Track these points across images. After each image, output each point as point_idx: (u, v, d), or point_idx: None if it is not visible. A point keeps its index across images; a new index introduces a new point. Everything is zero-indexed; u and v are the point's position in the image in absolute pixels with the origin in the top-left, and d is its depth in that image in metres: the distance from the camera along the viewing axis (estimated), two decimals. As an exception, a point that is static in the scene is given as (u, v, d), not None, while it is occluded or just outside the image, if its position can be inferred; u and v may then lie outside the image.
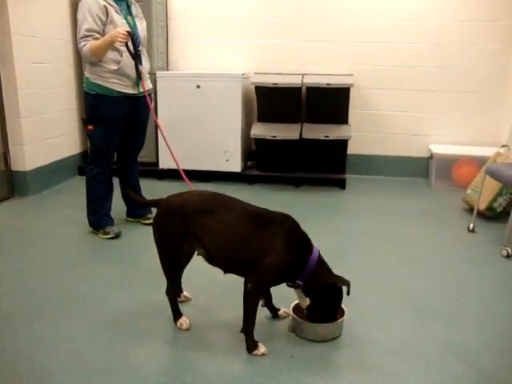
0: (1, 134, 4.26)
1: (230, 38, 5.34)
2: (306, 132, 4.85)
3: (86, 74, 3.37)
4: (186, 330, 2.29)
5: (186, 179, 3.01)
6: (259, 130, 4.95)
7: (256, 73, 5.18)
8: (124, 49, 3.23)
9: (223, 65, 5.36)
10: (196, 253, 2.27)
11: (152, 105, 3.66)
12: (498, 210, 3.95)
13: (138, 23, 3.41)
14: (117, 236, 3.47)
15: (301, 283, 2.16)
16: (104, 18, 3.21)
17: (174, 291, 2.33)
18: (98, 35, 3.21)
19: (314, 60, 5.22)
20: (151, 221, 3.77)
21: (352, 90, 4.91)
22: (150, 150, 5.03)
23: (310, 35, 5.20)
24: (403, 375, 2.02)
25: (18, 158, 4.36)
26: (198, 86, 4.88)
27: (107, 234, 3.46)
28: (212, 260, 2.21)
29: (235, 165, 5.02)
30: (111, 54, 3.25)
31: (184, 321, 2.32)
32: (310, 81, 4.88)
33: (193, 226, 2.16)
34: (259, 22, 5.26)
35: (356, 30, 5.12)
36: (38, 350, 2.15)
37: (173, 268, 2.29)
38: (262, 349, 2.14)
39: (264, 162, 5.12)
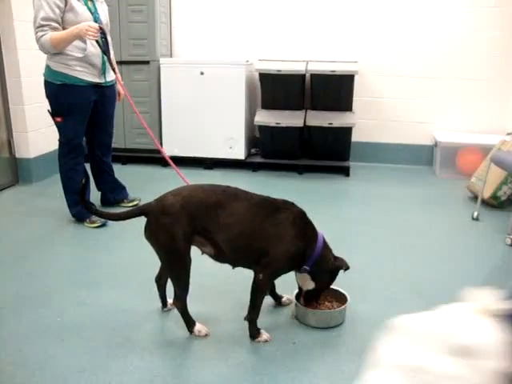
0: (4, 121, 4.27)
1: (234, 25, 5.30)
2: (310, 119, 4.84)
3: (48, 61, 3.23)
4: (206, 336, 2.17)
5: (181, 174, 2.98)
6: (263, 117, 4.94)
7: (260, 59, 5.14)
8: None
9: (227, 51, 5.34)
10: (201, 252, 2.16)
11: (122, 92, 3.62)
12: (503, 198, 3.93)
13: (98, 8, 3.29)
14: (103, 224, 3.43)
15: (308, 268, 2.17)
16: (62, 5, 3.05)
17: (185, 300, 2.15)
18: (55, 24, 3.06)
19: (319, 47, 5.19)
20: (135, 203, 3.78)
21: (356, 77, 4.88)
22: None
23: (315, 21, 5.15)
24: (405, 362, 2.03)
25: (21, 146, 4.37)
26: (202, 73, 4.86)
27: (94, 222, 3.42)
28: (221, 257, 2.15)
29: (239, 152, 5.01)
30: (75, 42, 3.12)
31: (201, 327, 2.18)
32: (315, 68, 4.85)
33: (201, 224, 2.05)
34: (263, 8, 5.22)
35: (361, 17, 5.07)
36: (42, 335, 2.18)
37: (184, 273, 2.08)
38: (264, 335, 2.15)
39: (268, 149, 5.11)
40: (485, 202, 3.90)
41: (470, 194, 4.24)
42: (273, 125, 4.83)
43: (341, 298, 2.35)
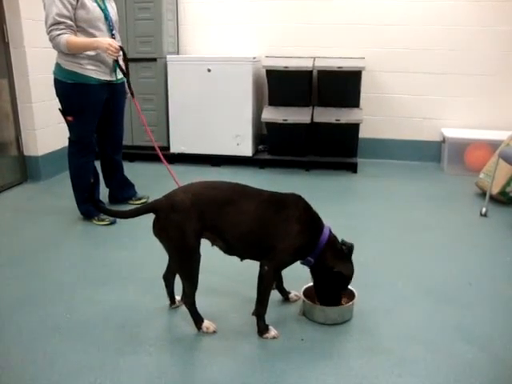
0: (13, 119, 4.29)
1: (241, 22, 5.30)
2: (318, 116, 4.82)
3: (58, 60, 3.20)
4: (214, 332, 2.17)
5: (173, 174, 2.95)
6: (270, 114, 4.93)
7: (267, 56, 5.15)
8: (99, 33, 3.14)
9: (234, 48, 5.33)
10: (211, 244, 2.18)
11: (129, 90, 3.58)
12: (511, 194, 3.91)
13: (108, 5, 3.28)
14: (112, 222, 3.43)
15: (312, 260, 2.17)
16: (74, 2, 3.03)
17: (193, 297, 2.15)
18: (70, 22, 3.04)
19: (326, 43, 5.17)
20: (143, 201, 3.78)
21: (364, 74, 4.86)
22: (161, 134, 5.05)
23: (322, 18, 5.14)
24: (413, 359, 2.02)
25: (29, 143, 4.39)
26: (209, 70, 4.86)
27: (102, 220, 3.43)
28: (231, 250, 2.17)
29: (246, 149, 5.01)
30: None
31: (209, 324, 2.18)
32: (322, 64, 4.83)
33: (211, 221, 2.05)
34: (270, 4, 5.21)
35: (368, 13, 5.05)
36: (51, 333, 2.19)
37: (194, 270, 2.08)
38: (272, 332, 2.15)
39: (275, 145, 5.11)
40: (493, 199, 3.88)
41: (478, 190, 4.21)
42: (280, 121, 4.82)
43: (348, 295, 2.35)
